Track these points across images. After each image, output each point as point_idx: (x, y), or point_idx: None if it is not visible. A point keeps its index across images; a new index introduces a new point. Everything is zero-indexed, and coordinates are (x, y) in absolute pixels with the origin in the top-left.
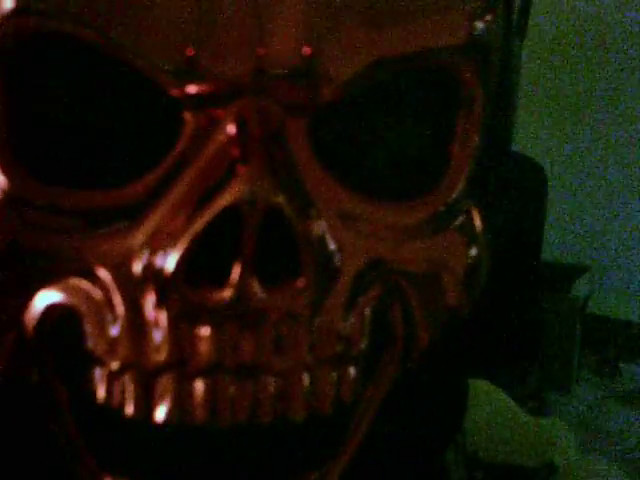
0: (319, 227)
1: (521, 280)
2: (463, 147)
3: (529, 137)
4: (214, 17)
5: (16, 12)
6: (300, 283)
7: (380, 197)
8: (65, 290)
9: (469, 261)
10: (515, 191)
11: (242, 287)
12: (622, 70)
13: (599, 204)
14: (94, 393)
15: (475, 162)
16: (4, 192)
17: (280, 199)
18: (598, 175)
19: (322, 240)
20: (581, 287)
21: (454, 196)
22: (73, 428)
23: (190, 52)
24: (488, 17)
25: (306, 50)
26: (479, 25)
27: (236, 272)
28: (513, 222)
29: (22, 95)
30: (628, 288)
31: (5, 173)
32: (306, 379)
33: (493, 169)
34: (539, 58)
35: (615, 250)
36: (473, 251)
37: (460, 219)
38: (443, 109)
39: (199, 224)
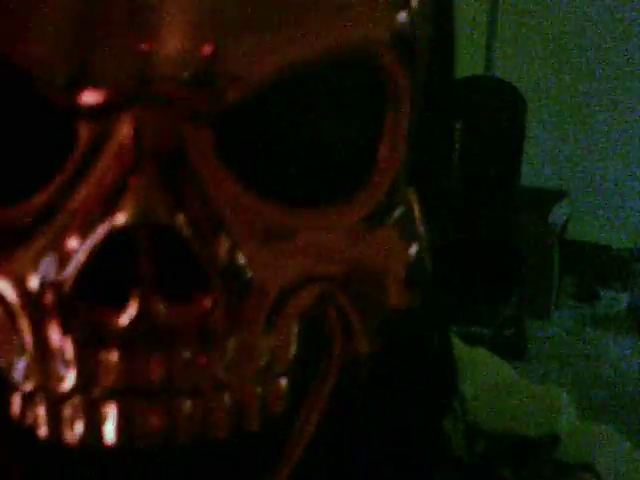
0: (225, 245)
1: (500, 205)
2: (392, 142)
3: (509, 62)
4: (101, 20)
5: None
6: (207, 302)
7: (304, 205)
8: None
9: (410, 260)
10: (494, 116)
11: (144, 306)
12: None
13: (578, 129)
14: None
15: (408, 153)
16: None
17: (177, 219)
18: (576, 100)
19: (231, 258)
20: (559, 213)
21: (385, 194)
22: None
23: (78, 58)
24: (413, 4)
25: (206, 50)
26: (402, 15)
27: (136, 291)
28: (491, 148)
29: None
30: (606, 213)
31: None
32: (227, 397)
33: (435, 147)
34: None
35: (593, 175)
36: (413, 249)
37: (398, 212)
38: (368, 103)
39: (92, 243)
